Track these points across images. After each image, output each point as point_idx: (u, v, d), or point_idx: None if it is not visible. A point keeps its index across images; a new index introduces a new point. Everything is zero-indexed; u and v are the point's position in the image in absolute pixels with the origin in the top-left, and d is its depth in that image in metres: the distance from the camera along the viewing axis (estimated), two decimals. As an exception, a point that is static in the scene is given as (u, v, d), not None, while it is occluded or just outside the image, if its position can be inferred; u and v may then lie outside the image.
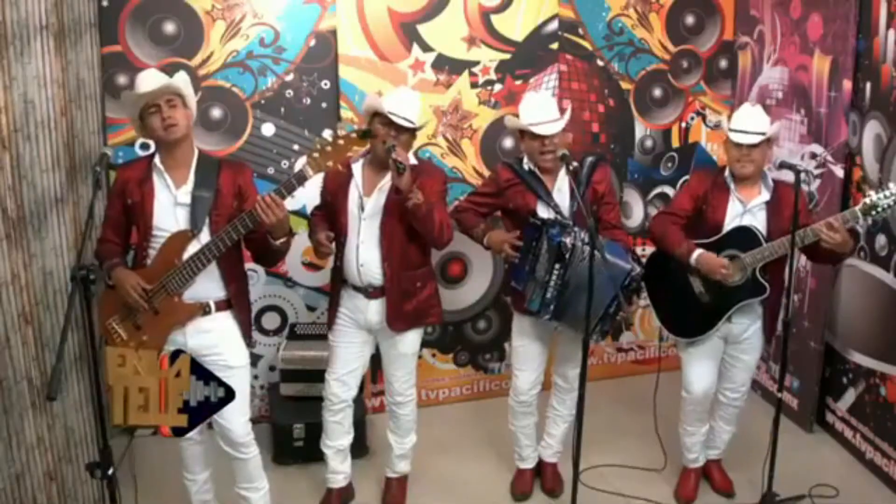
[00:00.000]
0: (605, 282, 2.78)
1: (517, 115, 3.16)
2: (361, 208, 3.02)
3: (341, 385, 3.18)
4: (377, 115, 2.97)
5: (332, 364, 3.20)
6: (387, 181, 3.01)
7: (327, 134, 2.70)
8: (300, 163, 3.90)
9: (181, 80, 2.73)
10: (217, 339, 2.80)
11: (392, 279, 3.04)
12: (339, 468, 3.33)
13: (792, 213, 2.93)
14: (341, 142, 2.62)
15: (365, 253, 3.02)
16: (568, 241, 2.95)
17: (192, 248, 2.70)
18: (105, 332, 2.80)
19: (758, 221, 3.10)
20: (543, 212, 3.13)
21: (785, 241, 2.95)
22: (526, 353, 3.32)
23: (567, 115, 3.13)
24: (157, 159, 2.76)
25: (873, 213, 2.92)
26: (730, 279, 3.06)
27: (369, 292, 3.07)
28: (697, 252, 3.10)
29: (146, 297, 2.68)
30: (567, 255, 2.95)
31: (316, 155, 2.62)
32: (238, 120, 3.82)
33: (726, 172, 3.17)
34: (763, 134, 3.04)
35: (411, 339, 3.18)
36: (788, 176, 2.99)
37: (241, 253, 2.88)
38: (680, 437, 3.47)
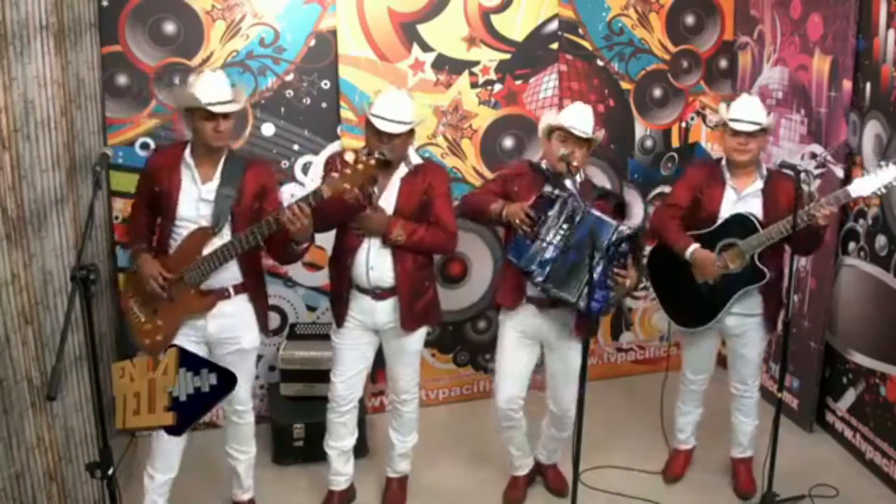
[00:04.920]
0: (584, 238, 2.80)
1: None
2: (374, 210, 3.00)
3: (348, 387, 3.17)
4: (368, 123, 2.93)
5: (338, 366, 3.18)
6: (394, 182, 3.01)
7: (349, 156, 2.74)
8: (300, 163, 3.92)
9: (244, 98, 2.87)
10: (235, 323, 2.94)
11: (404, 280, 3.04)
12: (341, 470, 3.32)
13: (786, 200, 3.07)
14: (360, 167, 2.67)
15: (375, 255, 3.01)
16: (584, 205, 2.93)
17: (213, 244, 2.81)
18: (126, 309, 2.96)
19: (753, 209, 3.16)
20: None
21: (780, 225, 3.03)
22: (506, 362, 3.21)
23: (598, 134, 3.09)
24: (187, 152, 2.86)
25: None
26: (730, 268, 3.12)
27: (377, 294, 3.06)
28: (692, 248, 3.16)
29: (166, 285, 2.81)
30: (578, 219, 2.91)
31: (335, 175, 2.69)
32: (238, 120, 3.79)
33: (723, 163, 3.24)
34: (760, 124, 3.11)
35: (418, 337, 3.19)
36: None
37: (258, 247, 2.95)
38: (674, 417, 3.53)
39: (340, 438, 3.26)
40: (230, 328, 2.93)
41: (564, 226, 2.94)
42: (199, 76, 2.82)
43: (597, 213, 2.92)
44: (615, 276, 2.90)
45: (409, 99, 3.01)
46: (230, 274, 2.89)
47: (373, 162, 2.66)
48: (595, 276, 2.76)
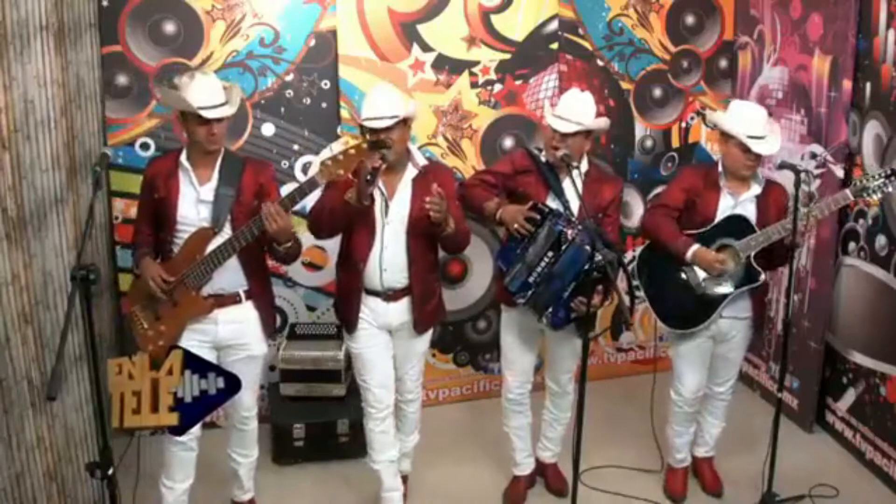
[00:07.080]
0: (567, 267, 2.86)
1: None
2: (385, 213, 2.95)
3: (384, 390, 3.07)
4: (362, 128, 2.93)
5: (368, 371, 3.07)
6: (406, 183, 2.97)
7: (340, 142, 2.74)
8: (300, 162, 3.92)
9: (237, 100, 2.82)
10: (245, 330, 2.94)
11: (418, 282, 3.02)
12: (393, 484, 3.19)
13: (775, 208, 3.12)
14: (352, 151, 2.67)
15: (389, 257, 2.97)
16: (569, 232, 2.92)
17: (214, 244, 2.80)
18: (129, 318, 2.96)
19: (747, 214, 3.15)
20: (552, 204, 3.08)
21: (777, 226, 3.04)
22: (513, 351, 3.30)
23: (596, 124, 3.08)
24: (183, 157, 2.86)
25: (864, 194, 3.03)
26: (725, 269, 3.11)
27: (388, 295, 3.02)
28: (694, 248, 3.13)
29: (166, 287, 2.79)
30: (564, 247, 2.92)
31: (329, 163, 2.68)
32: (238, 120, 3.79)
33: (719, 168, 3.20)
34: (775, 138, 3.09)
35: (426, 338, 3.19)
36: (782, 175, 3.03)
37: (263, 249, 2.96)
38: (668, 438, 3.50)
39: (385, 449, 3.13)
40: (240, 334, 2.93)
41: (549, 253, 2.96)
42: (192, 79, 2.78)
43: (580, 239, 2.86)
44: (577, 302, 2.95)
45: (395, 92, 2.99)
46: (237, 279, 2.88)
47: (365, 146, 2.66)
48: (564, 296, 2.94)
